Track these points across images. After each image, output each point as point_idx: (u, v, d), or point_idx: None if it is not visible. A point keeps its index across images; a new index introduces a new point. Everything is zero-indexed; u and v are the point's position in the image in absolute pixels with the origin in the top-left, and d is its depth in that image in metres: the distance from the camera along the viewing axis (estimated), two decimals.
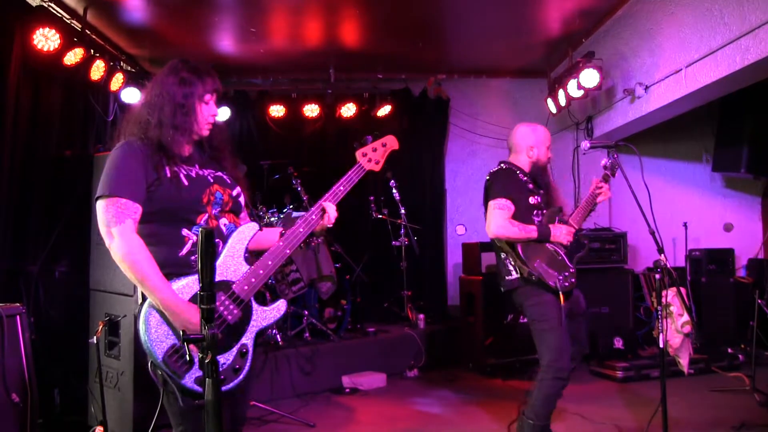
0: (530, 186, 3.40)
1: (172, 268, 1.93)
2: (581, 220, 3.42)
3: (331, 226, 2.20)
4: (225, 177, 2.18)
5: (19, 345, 3.18)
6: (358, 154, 2.33)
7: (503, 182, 3.35)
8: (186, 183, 2.02)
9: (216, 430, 1.42)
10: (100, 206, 1.94)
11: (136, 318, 1.90)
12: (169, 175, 1.99)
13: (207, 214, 2.05)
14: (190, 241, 1.99)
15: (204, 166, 2.15)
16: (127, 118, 2.17)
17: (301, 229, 2.12)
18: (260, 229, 2.14)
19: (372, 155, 2.33)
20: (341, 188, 2.23)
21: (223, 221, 2.09)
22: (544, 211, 3.40)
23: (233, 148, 2.29)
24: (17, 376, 3.13)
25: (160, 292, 1.85)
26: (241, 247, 2.04)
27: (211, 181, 2.11)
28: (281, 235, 2.17)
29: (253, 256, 2.10)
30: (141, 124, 2.08)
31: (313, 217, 2.15)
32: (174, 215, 2.00)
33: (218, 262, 1.97)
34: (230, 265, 2.00)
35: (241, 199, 2.21)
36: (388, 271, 6.58)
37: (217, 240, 2.01)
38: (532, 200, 3.36)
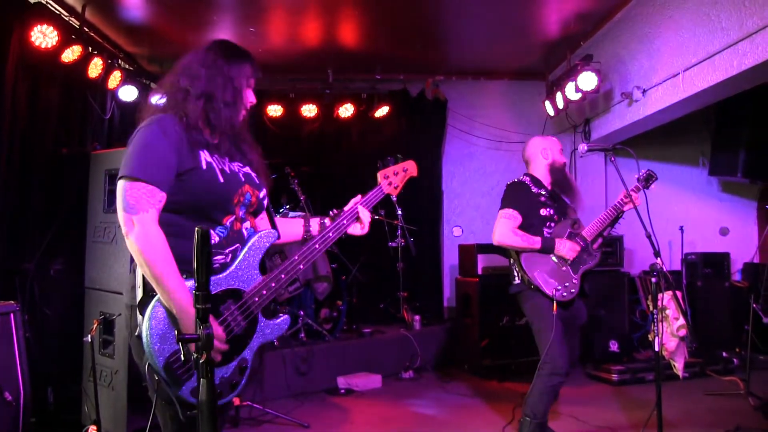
0: (542, 198, 3.46)
1: (189, 266, 1.73)
2: (596, 232, 3.45)
3: (365, 232, 2.19)
4: (254, 176, 2.04)
5: (13, 343, 3.16)
6: (380, 175, 2.29)
7: (513, 194, 3.48)
8: (221, 179, 1.87)
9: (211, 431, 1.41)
10: (122, 188, 1.75)
11: (139, 312, 1.76)
12: (204, 166, 1.84)
13: (234, 216, 1.93)
14: (212, 241, 1.85)
15: (232, 158, 1.99)
16: (157, 89, 1.99)
17: (317, 246, 2.05)
18: (278, 237, 2.05)
19: (393, 179, 2.30)
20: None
21: (246, 224, 1.99)
22: (553, 224, 3.44)
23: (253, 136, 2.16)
24: (10, 374, 3.12)
25: (176, 295, 1.70)
26: (258, 255, 1.94)
27: (243, 180, 1.97)
28: (305, 229, 2.16)
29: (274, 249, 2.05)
30: (178, 95, 1.89)
31: (330, 234, 2.09)
32: (202, 211, 1.85)
33: (232, 268, 1.88)
34: (244, 273, 1.90)
35: (265, 202, 2.10)
36: (385, 272, 6.57)
37: (236, 245, 1.92)
38: (543, 212, 3.44)
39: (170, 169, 1.78)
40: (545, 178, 3.55)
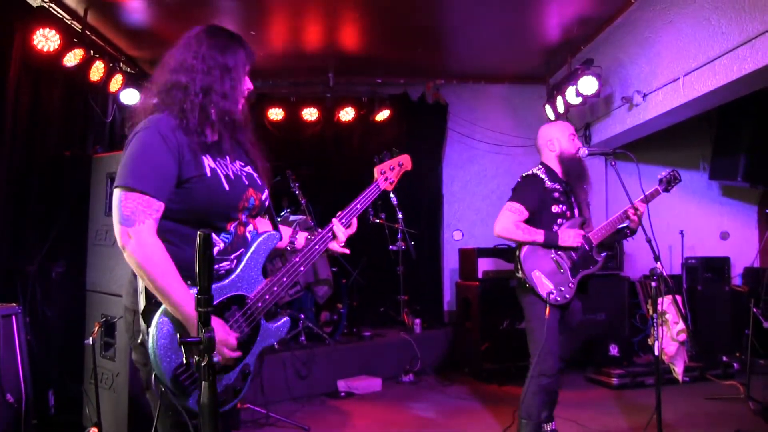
0: (555, 195, 3.40)
1: (192, 273, 1.71)
2: (603, 237, 3.42)
3: (342, 245, 2.12)
4: (256, 177, 1.98)
5: (15, 345, 3.17)
6: (377, 170, 2.28)
7: (524, 189, 3.41)
8: (227, 187, 1.80)
9: None
10: (117, 198, 1.67)
11: (143, 321, 1.70)
12: (209, 173, 1.77)
13: (237, 221, 1.88)
14: (217, 248, 1.81)
15: (233, 156, 1.92)
16: (150, 88, 1.88)
17: (317, 247, 2.04)
18: (280, 239, 2.04)
19: (389, 174, 2.30)
20: (358, 206, 2.18)
21: (249, 228, 1.95)
22: (564, 221, 3.39)
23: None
24: (12, 376, 3.13)
25: (183, 309, 1.63)
26: (262, 258, 1.91)
27: (246, 183, 1.91)
28: (291, 240, 2.12)
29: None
30: (175, 93, 1.79)
31: (329, 234, 2.08)
32: (205, 219, 1.79)
33: (237, 273, 1.84)
34: (248, 277, 1.87)
35: (267, 203, 2.05)
36: (385, 275, 6.57)
37: (241, 250, 1.89)
38: (555, 209, 3.38)
39: (168, 177, 1.71)
40: (558, 169, 3.46)
